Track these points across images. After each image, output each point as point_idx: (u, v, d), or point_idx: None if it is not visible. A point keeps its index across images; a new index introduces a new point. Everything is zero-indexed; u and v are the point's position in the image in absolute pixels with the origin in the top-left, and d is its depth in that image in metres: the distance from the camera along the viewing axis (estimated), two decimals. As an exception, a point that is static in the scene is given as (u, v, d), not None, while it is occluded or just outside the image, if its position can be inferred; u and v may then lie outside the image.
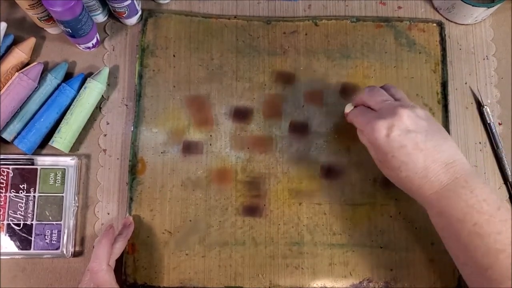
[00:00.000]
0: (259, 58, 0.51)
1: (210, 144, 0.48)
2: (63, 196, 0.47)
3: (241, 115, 0.49)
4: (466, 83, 0.51)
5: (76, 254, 0.47)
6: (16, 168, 0.47)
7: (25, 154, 0.47)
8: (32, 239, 0.46)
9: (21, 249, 0.46)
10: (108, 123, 0.49)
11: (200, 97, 0.50)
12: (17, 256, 0.46)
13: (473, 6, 0.48)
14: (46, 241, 0.46)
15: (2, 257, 0.46)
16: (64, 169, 0.47)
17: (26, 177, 0.47)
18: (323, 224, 0.47)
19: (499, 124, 0.50)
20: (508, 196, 0.49)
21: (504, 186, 0.49)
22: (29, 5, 0.45)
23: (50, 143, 0.47)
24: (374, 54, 0.51)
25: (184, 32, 0.51)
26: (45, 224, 0.46)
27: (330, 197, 0.48)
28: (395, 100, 0.41)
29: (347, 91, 0.50)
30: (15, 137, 0.46)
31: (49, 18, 0.48)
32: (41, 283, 0.46)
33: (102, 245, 0.41)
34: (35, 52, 0.50)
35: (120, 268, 0.45)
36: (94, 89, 0.48)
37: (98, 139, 0.49)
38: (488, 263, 0.35)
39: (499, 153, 0.49)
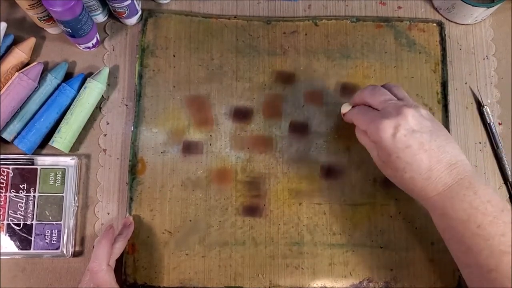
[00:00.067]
0: (259, 58, 0.51)
1: (210, 144, 0.48)
2: (63, 196, 0.47)
3: (241, 115, 0.49)
4: (466, 83, 0.51)
5: (76, 254, 0.47)
6: (16, 168, 0.47)
7: (25, 154, 0.47)
8: (32, 239, 0.46)
9: (21, 249, 0.46)
10: (108, 123, 0.49)
11: (200, 97, 0.50)
12: (17, 256, 0.46)
13: (473, 6, 0.48)
14: (46, 241, 0.46)
15: (2, 257, 0.46)
16: (64, 169, 0.47)
17: (26, 177, 0.47)
18: (323, 224, 0.47)
19: (499, 124, 0.51)
20: (508, 196, 0.49)
21: (504, 186, 0.49)
22: (29, 5, 0.45)
23: (50, 143, 0.47)
24: (374, 54, 0.51)
25: (184, 32, 0.51)
26: (45, 224, 0.46)
27: (330, 197, 0.48)
28: (397, 100, 0.40)
29: (347, 91, 0.50)
30: (15, 137, 0.46)
31: (49, 18, 0.48)
32: (41, 283, 0.46)
33: (102, 245, 0.41)
34: (35, 52, 0.50)
35: (120, 268, 0.45)
36: (94, 89, 0.48)
37: (98, 139, 0.49)
38: (491, 265, 0.35)
39: (499, 153, 0.49)
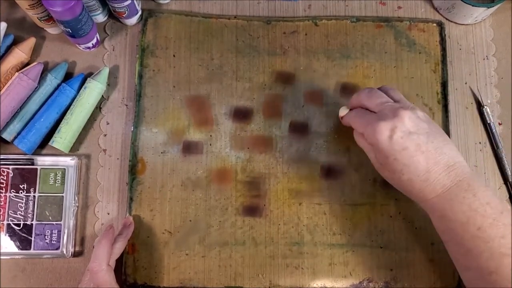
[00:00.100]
0: (259, 58, 0.51)
1: (210, 144, 0.48)
2: (63, 196, 0.47)
3: (241, 115, 0.49)
4: (466, 83, 0.51)
5: (76, 254, 0.47)
6: (16, 168, 0.47)
7: (25, 154, 0.47)
8: (32, 239, 0.46)
9: (21, 249, 0.46)
10: (108, 123, 0.49)
11: (200, 97, 0.50)
12: (17, 256, 0.46)
13: (473, 6, 0.48)
14: (46, 241, 0.46)
15: (2, 257, 0.46)
16: (64, 169, 0.47)
17: (26, 177, 0.47)
18: (323, 224, 0.47)
19: (499, 124, 0.51)
20: (508, 196, 0.49)
21: (504, 186, 0.49)
22: (29, 5, 0.45)
23: (50, 143, 0.47)
24: (374, 54, 0.51)
25: (184, 32, 0.51)
26: (45, 224, 0.46)
27: (330, 197, 0.48)
28: (394, 102, 0.40)
29: (347, 91, 0.50)
30: (15, 137, 0.46)
31: (49, 18, 0.48)
32: (41, 283, 0.46)
33: (102, 245, 0.41)
34: (35, 52, 0.50)
35: (120, 268, 0.45)
36: (94, 89, 0.48)
37: (98, 139, 0.49)
38: (491, 267, 0.35)
39: (499, 153, 0.49)
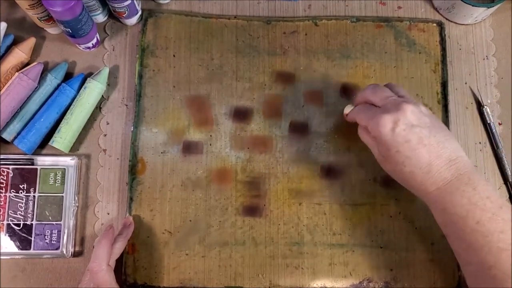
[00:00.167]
0: (259, 58, 0.51)
1: (210, 144, 0.48)
2: (63, 196, 0.47)
3: (241, 115, 0.49)
4: (466, 83, 0.51)
5: (76, 254, 0.47)
6: (16, 168, 0.47)
7: (25, 154, 0.47)
8: (32, 239, 0.46)
9: (21, 249, 0.46)
10: (108, 123, 0.49)
11: (200, 97, 0.50)
12: (17, 256, 0.46)
13: (473, 6, 0.48)
14: (46, 241, 0.46)
15: (2, 257, 0.46)
16: (64, 169, 0.47)
17: (26, 177, 0.47)
18: (323, 224, 0.47)
19: (499, 124, 0.51)
20: (508, 196, 0.49)
21: (504, 186, 0.49)
22: (29, 5, 0.45)
23: (50, 143, 0.47)
24: (374, 54, 0.51)
25: (184, 32, 0.51)
26: (45, 224, 0.46)
27: (330, 197, 0.48)
28: (398, 97, 0.41)
29: (347, 91, 0.50)
30: (15, 137, 0.46)
31: (49, 18, 0.48)
32: (41, 283, 0.46)
33: (102, 245, 0.41)
34: (35, 52, 0.50)
35: (120, 268, 0.45)
36: (94, 89, 0.48)
37: (98, 139, 0.49)
38: (491, 262, 0.35)
39: (499, 153, 0.49)
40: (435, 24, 0.52)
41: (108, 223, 0.47)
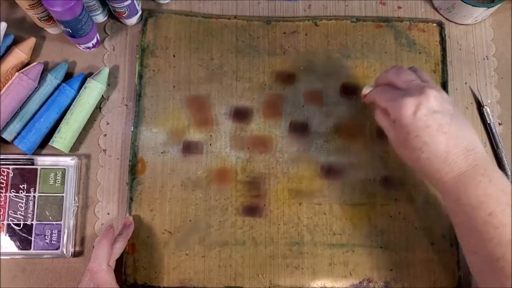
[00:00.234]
0: (259, 58, 0.51)
1: (210, 144, 0.48)
2: (63, 196, 0.47)
3: (241, 115, 0.49)
4: (466, 83, 0.51)
5: (76, 254, 0.47)
6: (16, 168, 0.47)
7: (25, 154, 0.47)
8: (32, 239, 0.46)
9: (21, 249, 0.46)
10: (108, 123, 0.49)
11: (200, 97, 0.50)
12: (17, 256, 0.46)
13: (473, 6, 0.48)
14: (46, 241, 0.46)
15: (2, 257, 0.46)
16: (64, 169, 0.47)
17: (26, 177, 0.47)
18: (323, 224, 0.47)
19: (499, 124, 0.51)
20: (508, 196, 0.49)
21: (504, 186, 0.49)
22: (29, 5, 0.45)
23: (50, 143, 0.47)
24: (374, 54, 0.51)
25: (184, 32, 0.51)
26: (45, 224, 0.46)
27: (330, 197, 0.48)
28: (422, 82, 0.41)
29: (347, 91, 0.50)
30: (15, 137, 0.46)
31: (49, 18, 0.48)
32: (41, 283, 0.46)
33: (102, 245, 0.41)
34: (35, 52, 0.50)
35: (120, 268, 0.45)
36: (94, 89, 0.48)
37: (98, 139, 0.49)
38: (499, 253, 0.35)
39: (499, 153, 0.49)
40: (435, 24, 0.52)
41: (108, 223, 0.47)
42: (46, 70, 0.49)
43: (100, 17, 0.51)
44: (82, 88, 0.48)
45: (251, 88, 0.50)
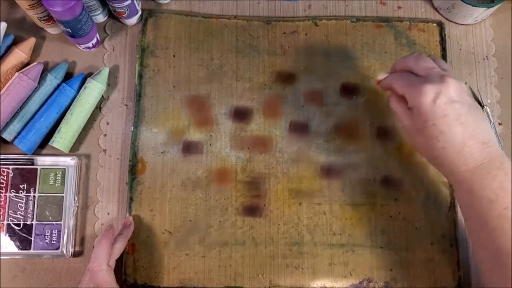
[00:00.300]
0: (259, 58, 0.51)
1: (210, 144, 0.48)
2: (63, 196, 0.47)
3: (241, 115, 0.49)
4: (466, 83, 0.51)
5: (76, 254, 0.47)
6: (16, 168, 0.47)
7: (25, 154, 0.47)
8: (32, 239, 0.46)
9: (21, 249, 0.46)
10: (108, 123, 0.49)
11: (200, 97, 0.50)
12: (17, 256, 0.46)
13: (473, 6, 0.48)
14: (46, 241, 0.46)
15: (2, 257, 0.46)
16: (64, 169, 0.47)
17: (26, 177, 0.47)
18: (323, 224, 0.47)
19: (499, 124, 0.51)
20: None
21: (504, 186, 0.49)
22: (29, 5, 0.45)
23: (50, 143, 0.47)
24: (374, 54, 0.51)
25: (184, 32, 0.51)
26: (45, 224, 0.46)
27: (330, 197, 0.48)
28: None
29: (347, 91, 0.50)
30: (15, 137, 0.46)
31: (49, 18, 0.48)
32: (41, 283, 0.46)
33: (102, 245, 0.41)
34: (35, 52, 0.50)
35: (120, 268, 0.45)
36: (94, 89, 0.48)
37: (98, 139, 0.49)
38: (510, 249, 0.35)
39: (499, 153, 0.49)
40: (435, 24, 0.52)
41: (108, 223, 0.47)
42: (46, 70, 0.49)
43: (100, 17, 0.51)
44: (82, 88, 0.48)
45: (251, 88, 0.50)
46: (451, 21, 0.53)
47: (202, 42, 0.51)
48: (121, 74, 0.50)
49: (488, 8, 0.49)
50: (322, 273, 0.46)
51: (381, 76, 0.43)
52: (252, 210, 0.47)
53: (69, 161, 0.47)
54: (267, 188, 0.48)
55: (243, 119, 0.49)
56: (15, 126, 0.46)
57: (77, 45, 0.50)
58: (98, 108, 0.49)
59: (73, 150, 0.48)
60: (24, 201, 0.46)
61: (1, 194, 0.46)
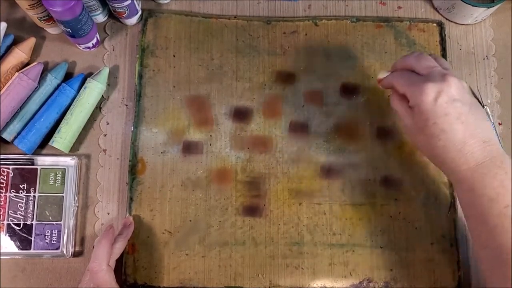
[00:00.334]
0: (259, 58, 0.51)
1: (210, 144, 0.48)
2: (63, 196, 0.47)
3: (241, 115, 0.49)
4: (466, 83, 0.51)
5: (76, 254, 0.47)
6: (16, 168, 0.47)
7: (25, 154, 0.47)
8: (32, 239, 0.46)
9: (21, 249, 0.46)
10: (108, 123, 0.49)
11: (200, 97, 0.50)
12: (17, 256, 0.46)
13: (473, 6, 0.48)
14: (46, 241, 0.46)
15: (2, 257, 0.46)
16: (64, 169, 0.47)
17: (26, 177, 0.47)
18: (323, 224, 0.47)
19: (499, 124, 0.51)
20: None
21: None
22: (29, 5, 0.45)
23: (50, 143, 0.47)
24: (374, 54, 0.51)
25: (184, 32, 0.51)
26: (45, 224, 0.46)
27: (330, 197, 0.48)
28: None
29: (347, 91, 0.50)
30: (15, 137, 0.46)
31: (49, 18, 0.48)
32: (41, 283, 0.46)
33: (102, 245, 0.41)
34: (35, 52, 0.50)
35: (120, 268, 0.45)
36: (94, 89, 0.48)
37: (98, 139, 0.49)
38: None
39: (499, 153, 0.49)
40: (435, 24, 0.52)
41: (108, 223, 0.47)
42: (46, 70, 0.49)
43: (100, 17, 0.51)
44: (82, 88, 0.48)
45: (251, 88, 0.50)
46: (451, 21, 0.53)
47: (202, 42, 0.51)
48: (121, 74, 0.50)
49: (488, 8, 0.49)
50: (322, 273, 0.46)
51: (382, 75, 0.43)
52: (252, 210, 0.47)
53: (69, 161, 0.47)
54: (267, 188, 0.48)
55: (243, 119, 0.49)
56: (15, 126, 0.46)
57: (77, 45, 0.50)
58: (98, 108, 0.49)
59: (73, 150, 0.48)
60: (24, 201, 0.46)
61: (1, 194, 0.46)
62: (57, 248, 0.46)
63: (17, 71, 0.47)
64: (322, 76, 0.50)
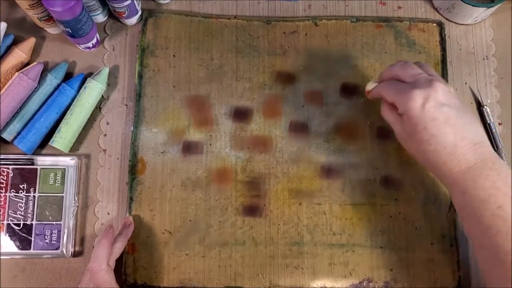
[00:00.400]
0: (259, 58, 0.51)
1: (210, 144, 0.48)
2: (63, 196, 0.47)
3: (241, 115, 0.49)
4: (466, 83, 0.51)
5: (76, 254, 0.47)
6: (16, 168, 0.47)
7: (25, 154, 0.47)
8: (32, 239, 0.46)
9: (21, 249, 0.46)
10: (108, 123, 0.49)
11: (200, 97, 0.50)
12: (17, 256, 0.46)
13: (473, 6, 0.48)
14: (46, 241, 0.46)
15: (2, 257, 0.46)
16: (64, 169, 0.47)
17: (26, 177, 0.47)
18: (323, 224, 0.47)
19: (499, 124, 0.51)
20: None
21: (504, 186, 0.49)
22: (29, 5, 0.45)
23: (50, 143, 0.47)
24: (374, 54, 0.51)
25: (184, 32, 0.51)
26: (45, 224, 0.46)
27: (330, 197, 0.48)
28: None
29: (347, 91, 0.50)
30: (15, 137, 0.46)
31: (49, 18, 0.48)
32: (41, 283, 0.46)
33: (102, 245, 0.41)
34: (35, 52, 0.50)
35: (120, 268, 0.45)
36: (94, 89, 0.48)
37: (98, 139, 0.49)
38: (508, 247, 0.35)
39: (499, 153, 0.49)
40: (435, 24, 0.52)
41: (108, 223, 0.47)
42: (46, 70, 0.49)
43: (100, 17, 0.51)
44: (82, 88, 0.48)
45: (251, 88, 0.50)
46: (451, 21, 0.53)
47: (202, 42, 0.51)
48: (121, 74, 0.50)
49: (488, 8, 0.49)
50: (322, 273, 0.46)
51: (370, 86, 0.44)
52: (252, 210, 0.47)
53: (69, 161, 0.47)
54: (267, 188, 0.48)
55: (243, 119, 0.49)
56: (15, 126, 0.46)
57: (77, 45, 0.50)
58: (98, 108, 0.49)
59: (73, 150, 0.48)
60: (24, 201, 0.46)
61: (1, 194, 0.46)
62: (57, 248, 0.46)
63: (17, 71, 0.47)
64: (322, 76, 0.50)
